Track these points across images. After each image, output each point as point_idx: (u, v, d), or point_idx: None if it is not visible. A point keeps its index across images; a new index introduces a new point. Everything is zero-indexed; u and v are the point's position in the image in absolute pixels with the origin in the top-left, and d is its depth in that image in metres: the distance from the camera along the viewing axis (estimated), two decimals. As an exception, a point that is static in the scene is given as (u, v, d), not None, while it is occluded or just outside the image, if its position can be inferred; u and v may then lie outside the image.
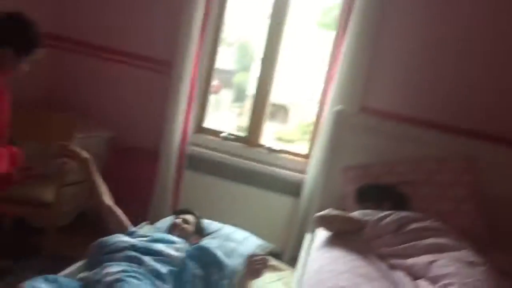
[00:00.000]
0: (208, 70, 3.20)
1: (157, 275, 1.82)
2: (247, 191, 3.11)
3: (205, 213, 2.47)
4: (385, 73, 2.88)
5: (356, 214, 2.28)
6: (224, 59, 3.34)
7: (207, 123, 3.32)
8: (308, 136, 3.19)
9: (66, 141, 2.23)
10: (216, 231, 2.47)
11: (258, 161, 3.12)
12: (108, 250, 1.90)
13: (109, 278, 1.68)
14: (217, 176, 3.14)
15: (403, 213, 2.20)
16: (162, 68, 3.13)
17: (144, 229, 2.59)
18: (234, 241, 2.38)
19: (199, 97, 3.20)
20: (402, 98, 2.88)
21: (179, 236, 2.19)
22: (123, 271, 1.73)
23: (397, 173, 2.54)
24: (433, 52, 2.79)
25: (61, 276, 1.82)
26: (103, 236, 2.00)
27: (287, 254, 2.96)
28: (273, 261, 2.56)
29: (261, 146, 3.20)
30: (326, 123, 2.84)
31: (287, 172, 3.07)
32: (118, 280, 1.66)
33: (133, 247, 1.92)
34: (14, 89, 2.95)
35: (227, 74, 4.67)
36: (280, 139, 4.47)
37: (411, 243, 2.04)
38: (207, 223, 2.48)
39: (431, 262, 1.88)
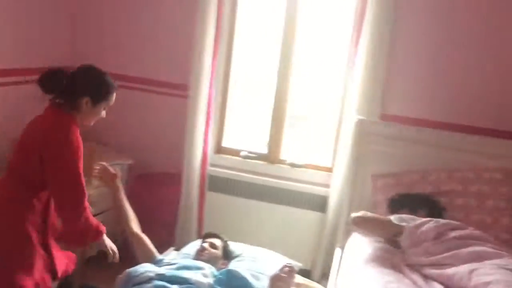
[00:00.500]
0: (223, 89, 3.19)
1: (187, 303, 1.79)
2: (272, 209, 3.06)
3: (230, 234, 2.43)
4: (403, 79, 2.83)
5: (392, 218, 2.22)
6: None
7: (227, 142, 3.30)
8: (330, 147, 3.13)
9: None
10: (242, 253, 2.42)
11: (281, 178, 3.08)
12: (135, 281, 1.88)
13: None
14: (239, 195, 3.11)
15: (442, 221, 2.13)
16: (179, 92, 3.13)
17: (171, 255, 2.57)
18: (261, 263, 2.33)
19: (216, 117, 3.18)
20: (422, 103, 2.83)
21: (206, 261, 2.15)
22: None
23: (430, 182, 2.47)
24: (449, 53, 2.73)
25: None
26: (130, 266, 1.99)
27: (317, 271, 2.90)
28: (301, 279, 2.50)
29: (283, 161, 3.16)
30: (348, 133, 2.79)
31: (311, 186, 3.02)
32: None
33: (160, 277, 1.89)
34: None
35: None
36: (303, 150, 4.42)
37: (452, 252, 1.96)
38: (233, 245, 2.44)
39: (472, 270, 1.80)
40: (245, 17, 3.19)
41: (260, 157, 3.20)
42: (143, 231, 2.18)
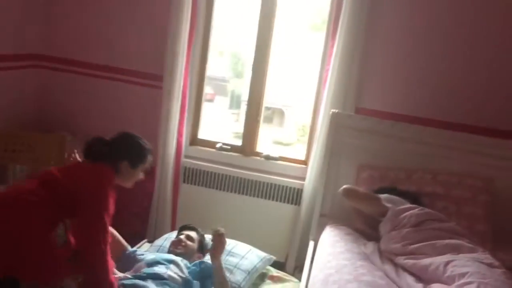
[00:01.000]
0: (199, 80, 3.16)
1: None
2: (246, 201, 3.06)
3: (204, 227, 2.42)
4: (377, 74, 2.84)
5: (382, 197, 2.26)
6: (217, 67, 3.30)
7: (203, 134, 3.28)
8: (305, 139, 3.13)
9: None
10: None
11: (256, 170, 3.07)
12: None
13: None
14: (214, 188, 3.10)
15: (428, 210, 2.15)
16: (154, 82, 3.07)
17: (144, 247, 2.54)
18: (236, 256, 2.33)
19: (192, 108, 3.15)
20: (396, 97, 2.84)
21: (182, 253, 2.14)
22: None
23: (414, 182, 2.49)
24: (425, 47, 2.76)
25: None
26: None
27: (291, 263, 2.91)
28: (275, 272, 2.51)
29: (258, 154, 3.15)
30: (322, 126, 2.80)
31: (286, 179, 3.02)
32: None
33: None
34: (3, 111, 2.93)
35: (222, 82, 4.65)
36: (277, 142, 4.44)
37: (429, 242, 1.97)
38: (208, 238, 2.43)
39: (448, 262, 1.82)
40: (221, 7, 3.15)
41: (235, 149, 3.18)
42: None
